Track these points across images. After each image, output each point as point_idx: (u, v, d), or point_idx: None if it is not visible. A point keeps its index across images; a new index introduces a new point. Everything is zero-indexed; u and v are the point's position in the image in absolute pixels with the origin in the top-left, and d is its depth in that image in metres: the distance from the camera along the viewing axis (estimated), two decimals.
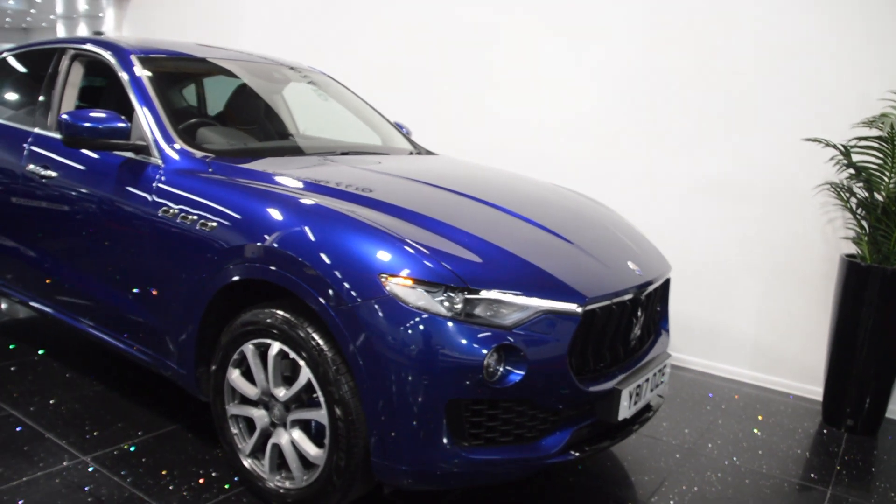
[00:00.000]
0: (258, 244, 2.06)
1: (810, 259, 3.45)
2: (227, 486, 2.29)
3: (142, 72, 2.77)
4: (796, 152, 3.41)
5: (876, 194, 2.93)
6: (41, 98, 3.15)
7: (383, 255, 1.90)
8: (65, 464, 2.37)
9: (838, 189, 3.12)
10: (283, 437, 2.13)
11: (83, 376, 3.10)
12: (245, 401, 2.25)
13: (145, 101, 2.66)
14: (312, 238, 1.97)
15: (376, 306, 1.84)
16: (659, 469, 2.63)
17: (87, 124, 2.47)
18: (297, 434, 2.09)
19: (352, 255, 1.92)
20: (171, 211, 2.33)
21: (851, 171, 3.06)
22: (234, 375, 2.22)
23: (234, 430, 2.28)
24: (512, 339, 1.87)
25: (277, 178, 2.34)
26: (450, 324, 1.83)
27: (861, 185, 3.04)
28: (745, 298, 3.65)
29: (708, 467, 2.67)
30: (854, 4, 3.20)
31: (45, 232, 2.92)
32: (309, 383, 2.01)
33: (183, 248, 2.30)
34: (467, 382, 1.84)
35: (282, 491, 2.14)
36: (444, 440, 1.86)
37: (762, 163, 3.54)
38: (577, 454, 2.04)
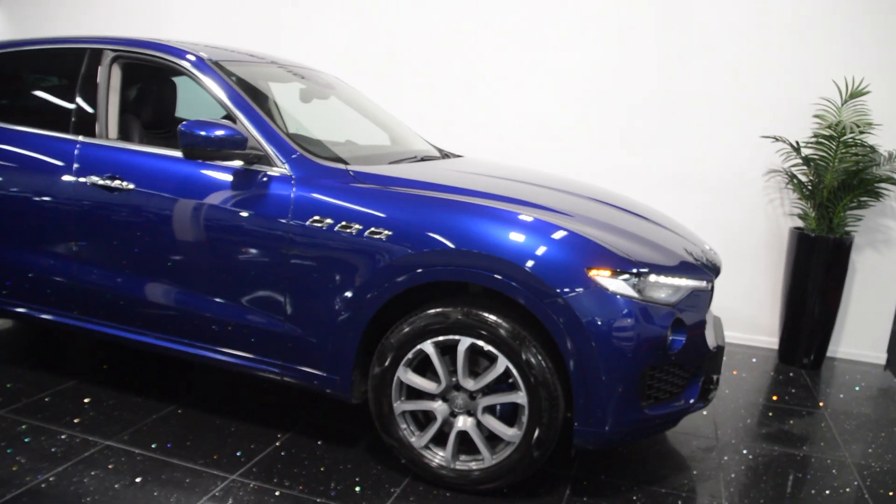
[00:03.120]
0: (462, 249, 2.26)
1: (757, 235, 4.34)
2: (391, 488, 2.47)
3: (229, 79, 2.74)
4: (741, 148, 4.26)
5: (824, 179, 3.84)
6: (78, 103, 2.91)
7: (585, 251, 2.25)
8: (221, 486, 2.36)
9: (790, 175, 4.02)
10: (466, 424, 2.38)
11: (157, 400, 2.97)
12: (413, 397, 2.44)
13: (246, 109, 2.66)
14: (521, 241, 2.26)
15: (586, 296, 2.20)
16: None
17: (211, 135, 2.44)
18: (489, 418, 2.35)
19: (559, 254, 2.24)
20: (325, 222, 2.42)
21: (799, 161, 3.97)
22: (409, 373, 2.41)
23: (403, 426, 2.46)
24: (678, 314, 2.34)
25: (431, 184, 2.55)
26: (641, 305, 2.25)
27: (807, 172, 3.95)
28: None
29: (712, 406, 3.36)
30: (796, 24, 4.08)
31: (130, 251, 2.75)
32: (506, 371, 2.29)
33: (344, 258, 2.41)
34: (655, 352, 2.28)
35: (475, 472, 2.39)
36: (637, 402, 2.28)
37: (713, 157, 4.35)
38: (702, 404, 2.58)
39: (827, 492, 2.59)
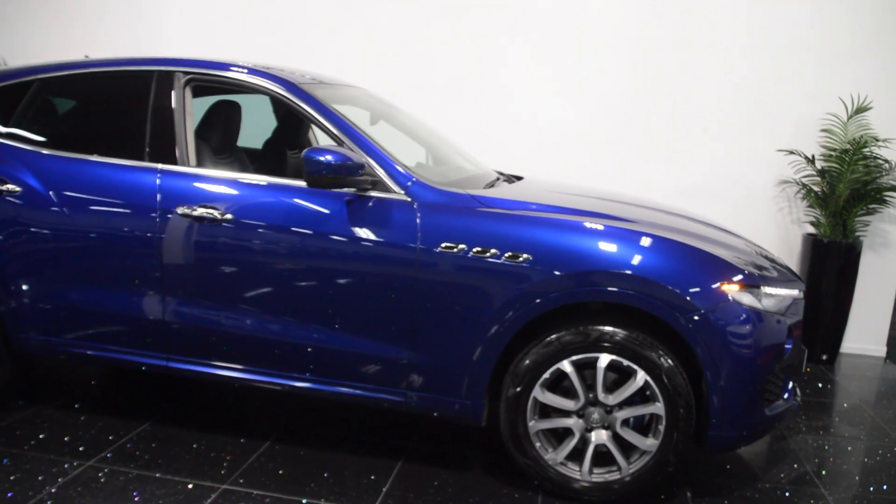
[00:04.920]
0: (605, 271, 2.41)
1: (769, 242, 4.74)
2: None
3: (328, 103, 2.78)
4: (754, 160, 4.67)
5: (837, 189, 4.29)
6: (153, 129, 2.84)
7: (718, 267, 2.47)
8: None
9: (803, 185, 4.45)
10: (601, 437, 2.53)
11: (251, 437, 2.93)
12: (546, 415, 2.57)
13: (356, 135, 2.69)
14: (660, 260, 2.44)
15: (721, 310, 2.41)
16: None
17: (335, 162, 2.47)
18: (627, 430, 2.52)
19: (695, 271, 2.44)
20: (459, 247, 2.50)
21: (812, 173, 4.41)
22: (546, 393, 2.53)
23: (537, 444, 2.58)
24: (788, 322, 2.61)
25: (551, 206, 2.68)
26: (764, 316, 2.49)
27: (820, 183, 4.40)
28: None
29: None
30: (805, 45, 4.51)
31: (232, 285, 2.70)
32: (645, 384, 2.46)
33: (481, 284, 2.49)
34: (776, 358, 2.53)
35: (613, 484, 2.54)
36: (760, 405, 2.52)
37: (727, 169, 4.74)
38: (797, 402, 2.86)
39: None
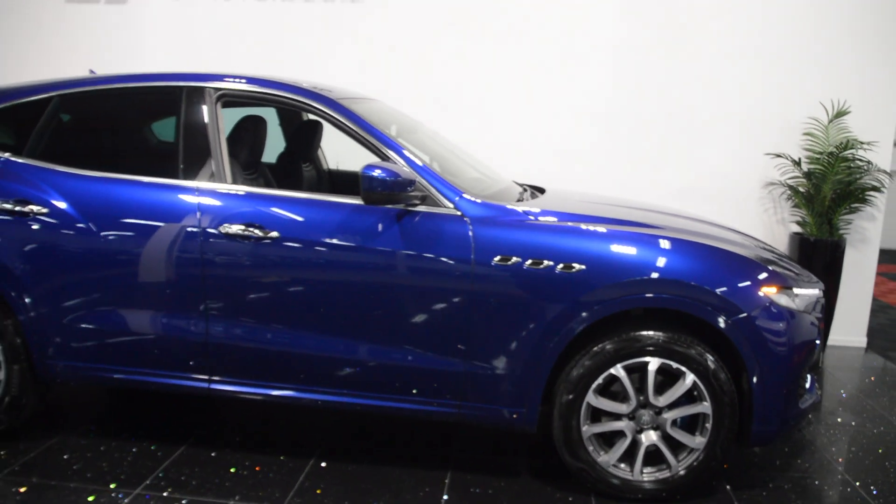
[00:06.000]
0: (659, 278, 2.55)
1: None
2: None
3: (370, 119, 2.84)
4: (739, 162, 4.94)
5: (822, 189, 4.61)
6: (187, 146, 2.84)
7: (760, 273, 2.66)
8: None
9: (789, 186, 4.75)
10: (651, 438, 2.68)
11: (293, 455, 2.95)
12: (596, 419, 2.71)
13: (400, 152, 2.76)
14: (708, 266, 2.61)
15: (763, 312, 2.59)
16: None
17: (390, 178, 2.54)
18: (677, 430, 2.67)
19: (740, 276, 2.62)
20: (513, 260, 2.61)
21: (798, 174, 4.71)
22: (599, 398, 2.67)
23: (590, 448, 2.71)
24: (816, 320, 2.83)
25: (598, 217, 2.82)
26: (799, 316, 2.70)
27: (806, 184, 4.70)
28: None
29: None
30: (787, 52, 4.81)
31: (279, 304, 2.72)
32: (693, 385, 2.63)
33: (536, 295, 2.60)
34: (810, 355, 2.74)
35: (665, 482, 2.68)
36: (796, 400, 2.73)
37: (715, 172, 4.99)
38: (819, 394, 3.09)
39: None
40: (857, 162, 4.61)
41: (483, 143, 5.03)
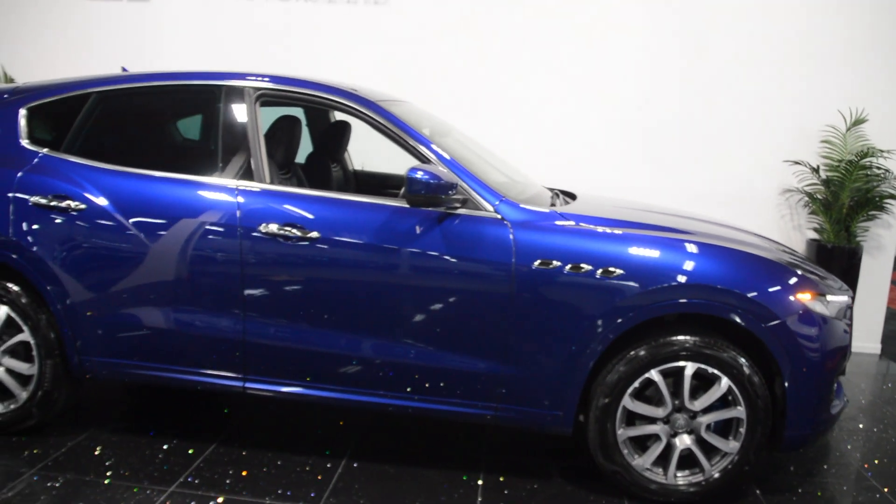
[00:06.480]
0: (697, 284, 2.60)
1: None
2: None
3: (407, 121, 2.87)
4: (757, 169, 5.01)
5: (840, 197, 4.68)
6: (225, 145, 2.86)
7: (795, 279, 2.70)
8: None
9: (807, 193, 4.82)
10: (685, 442, 2.73)
11: (318, 456, 2.98)
12: (631, 423, 2.75)
13: (443, 156, 2.80)
14: (745, 272, 2.65)
15: (799, 318, 2.64)
16: None
17: (433, 181, 2.57)
18: (711, 434, 2.72)
19: (776, 283, 2.66)
20: (554, 264, 2.65)
21: (816, 181, 4.78)
22: (635, 402, 2.71)
23: (625, 451, 2.76)
24: (847, 326, 2.88)
25: (634, 223, 2.85)
26: (832, 322, 2.75)
27: (824, 191, 4.77)
28: None
29: None
30: (806, 59, 4.87)
31: (319, 304, 2.74)
32: (728, 389, 2.68)
33: (576, 299, 2.63)
34: (842, 360, 2.80)
35: (699, 485, 2.73)
36: (828, 405, 2.78)
37: (732, 178, 5.06)
38: (846, 399, 3.14)
39: None
40: (875, 170, 4.67)
41: (503, 146, 5.08)
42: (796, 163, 4.83)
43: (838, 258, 4.72)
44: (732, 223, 3.56)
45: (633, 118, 5.05)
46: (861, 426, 3.72)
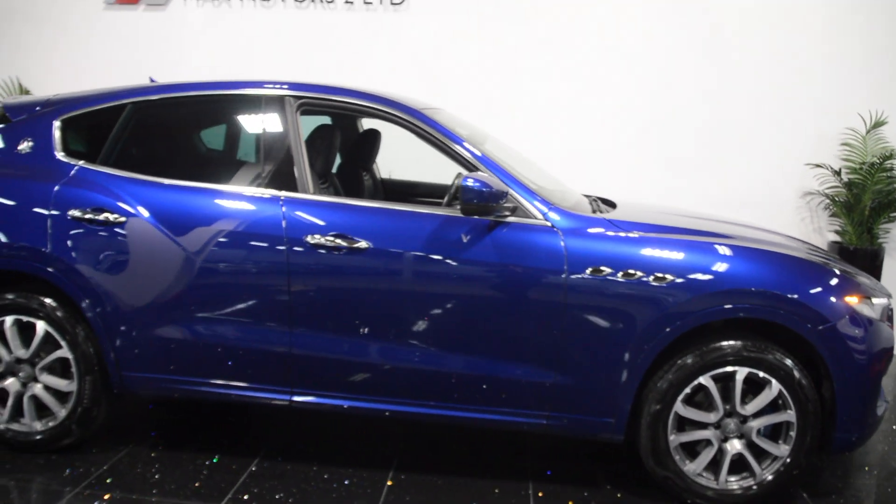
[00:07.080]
0: (749, 289, 2.62)
1: None
2: None
3: (454, 130, 2.88)
4: (778, 172, 5.07)
5: (862, 199, 4.75)
6: (268, 155, 2.86)
7: (842, 282, 2.74)
8: None
9: (829, 196, 4.89)
10: (736, 447, 2.76)
11: (369, 467, 2.97)
12: (682, 428, 2.77)
13: (492, 163, 2.81)
14: (797, 277, 2.69)
15: (848, 321, 2.68)
16: None
17: (486, 190, 2.58)
18: (762, 438, 2.74)
19: (825, 286, 2.70)
20: (605, 271, 2.66)
21: (837, 184, 4.85)
22: (686, 407, 2.73)
23: (677, 457, 2.77)
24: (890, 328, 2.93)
25: (684, 229, 2.88)
26: (878, 324, 2.79)
27: (846, 193, 4.84)
28: None
29: None
30: (826, 63, 4.94)
31: (370, 314, 2.74)
32: (779, 394, 2.71)
33: (629, 306, 2.64)
34: (889, 361, 2.84)
35: (752, 489, 2.74)
36: (875, 407, 2.82)
37: (753, 181, 5.12)
38: (888, 401, 3.18)
39: None
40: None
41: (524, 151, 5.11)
42: (818, 166, 4.90)
43: (860, 260, 4.78)
44: (771, 228, 3.61)
45: (652, 122, 5.10)
46: (894, 427, 3.76)
